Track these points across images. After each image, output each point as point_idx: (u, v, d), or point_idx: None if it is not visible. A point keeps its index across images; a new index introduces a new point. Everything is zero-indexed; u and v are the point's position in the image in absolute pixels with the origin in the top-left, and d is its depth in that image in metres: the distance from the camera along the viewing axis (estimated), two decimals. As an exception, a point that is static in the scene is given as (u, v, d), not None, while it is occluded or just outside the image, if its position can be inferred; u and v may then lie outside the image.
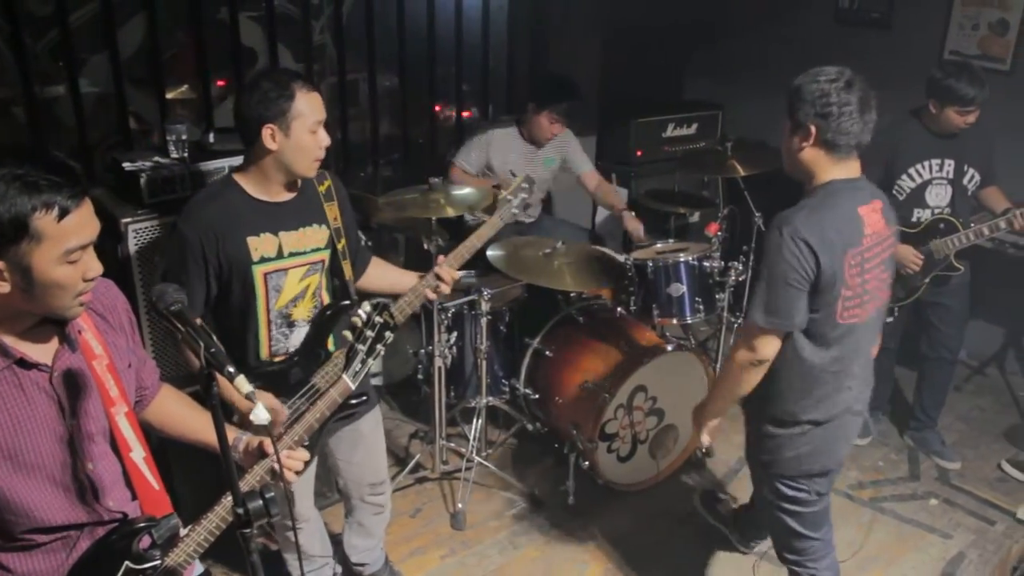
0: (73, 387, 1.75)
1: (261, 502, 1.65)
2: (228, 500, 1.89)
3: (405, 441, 4.29)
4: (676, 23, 5.77)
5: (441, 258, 2.94)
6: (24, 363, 1.68)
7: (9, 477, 1.68)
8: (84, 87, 4.29)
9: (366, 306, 2.23)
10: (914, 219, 3.92)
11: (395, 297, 2.85)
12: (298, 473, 2.08)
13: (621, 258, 4.17)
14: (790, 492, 2.77)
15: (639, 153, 5.65)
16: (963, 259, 3.92)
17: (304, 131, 2.49)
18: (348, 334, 2.21)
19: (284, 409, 2.66)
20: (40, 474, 1.72)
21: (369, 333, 2.22)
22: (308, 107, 2.49)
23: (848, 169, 2.50)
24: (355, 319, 2.19)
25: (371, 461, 3.10)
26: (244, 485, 1.98)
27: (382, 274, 3.02)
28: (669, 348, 3.82)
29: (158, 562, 1.82)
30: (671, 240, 4.52)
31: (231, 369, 1.55)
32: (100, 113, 4.43)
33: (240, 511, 1.61)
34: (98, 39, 4.23)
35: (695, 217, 5.16)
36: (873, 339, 2.74)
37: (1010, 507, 3.97)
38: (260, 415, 1.55)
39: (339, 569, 3.34)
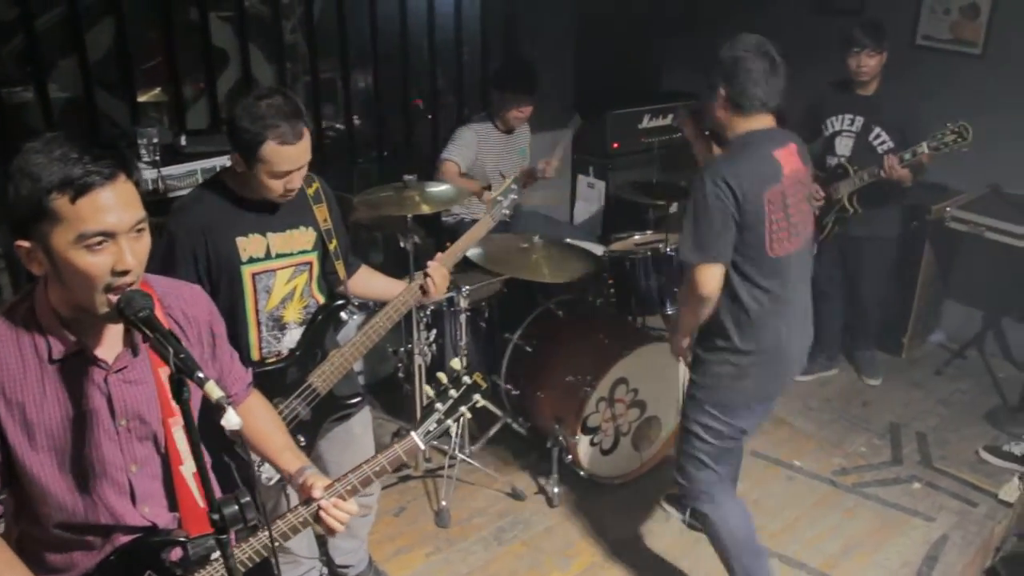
0: (129, 389, 1.71)
1: (236, 507, 1.62)
2: (263, 534, 1.85)
3: (388, 439, 4.26)
4: (651, 14, 5.77)
5: (439, 256, 2.93)
6: (83, 355, 1.64)
7: (51, 467, 1.65)
8: (53, 92, 4.24)
9: (456, 363, 2.09)
10: (828, 164, 4.46)
11: (384, 304, 2.84)
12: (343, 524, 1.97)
13: (599, 251, 4.16)
14: (711, 422, 2.88)
15: (615, 145, 5.65)
16: (864, 205, 4.32)
17: (265, 174, 2.44)
18: (429, 389, 2.06)
19: None
20: (80, 468, 1.68)
21: (453, 392, 2.06)
22: (274, 158, 2.41)
23: (759, 123, 2.70)
24: (441, 375, 2.06)
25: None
26: (284, 525, 1.92)
27: (370, 281, 3.01)
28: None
29: None
30: (649, 232, 4.52)
31: (201, 375, 1.53)
32: (70, 118, 4.38)
33: (216, 517, 1.59)
34: (66, 43, 4.19)
35: (674, 208, 5.15)
36: (805, 276, 2.88)
37: (992, 488, 3.99)
38: (232, 420, 1.52)
39: (325, 571, 3.32)
